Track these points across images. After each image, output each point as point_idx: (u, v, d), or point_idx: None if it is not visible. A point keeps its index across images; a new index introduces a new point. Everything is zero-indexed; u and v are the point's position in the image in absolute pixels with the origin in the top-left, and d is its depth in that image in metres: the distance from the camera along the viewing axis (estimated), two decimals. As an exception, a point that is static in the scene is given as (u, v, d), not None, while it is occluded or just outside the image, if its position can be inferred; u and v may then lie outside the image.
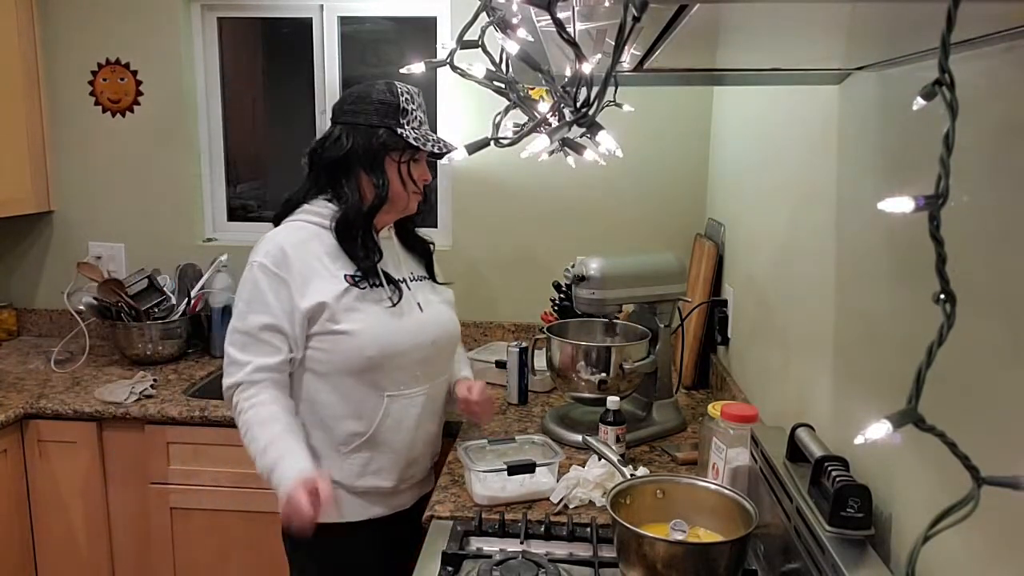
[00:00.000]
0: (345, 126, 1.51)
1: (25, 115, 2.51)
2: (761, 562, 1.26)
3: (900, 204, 0.45)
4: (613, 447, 1.58)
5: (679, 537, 1.16)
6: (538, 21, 0.77)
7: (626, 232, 2.52)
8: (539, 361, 2.02)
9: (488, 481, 1.50)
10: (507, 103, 1.01)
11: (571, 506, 1.48)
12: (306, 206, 1.55)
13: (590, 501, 1.49)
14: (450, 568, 1.26)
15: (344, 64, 2.64)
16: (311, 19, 2.60)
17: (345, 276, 1.50)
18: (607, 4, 0.64)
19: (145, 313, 2.38)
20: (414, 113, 1.52)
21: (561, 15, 0.63)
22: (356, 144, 1.49)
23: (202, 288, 2.49)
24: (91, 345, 2.49)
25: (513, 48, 0.83)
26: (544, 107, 0.97)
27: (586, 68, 0.69)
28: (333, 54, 2.62)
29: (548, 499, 1.50)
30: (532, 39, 0.83)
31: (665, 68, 1.14)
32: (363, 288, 1.51)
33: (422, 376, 1.58)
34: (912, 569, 0.52)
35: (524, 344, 2.07)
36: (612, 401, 1.66)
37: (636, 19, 0.56)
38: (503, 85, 1.01)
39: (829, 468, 1.03)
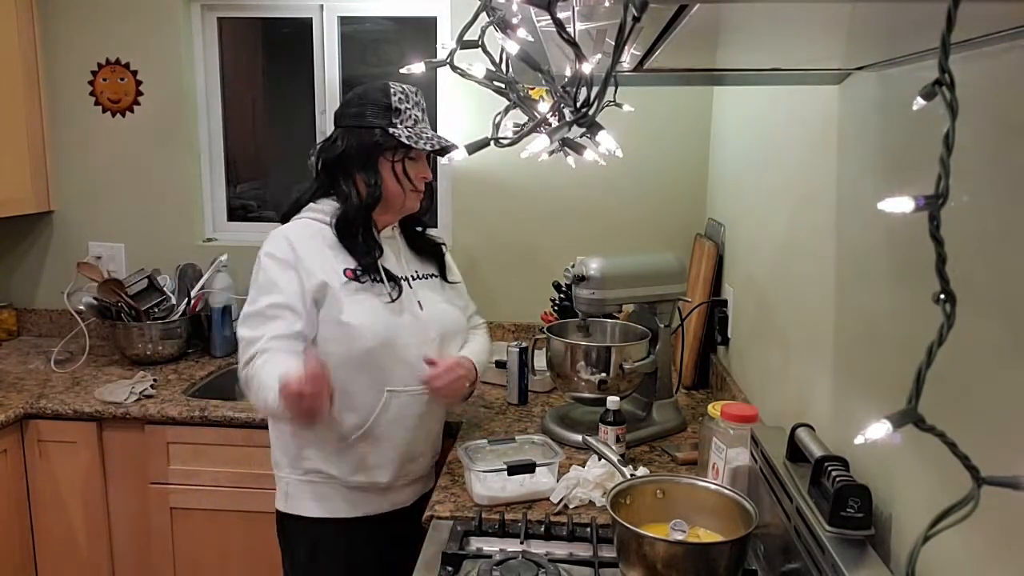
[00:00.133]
0: (343, 129, 1.58)
1: (25, 115, 2.51)
2: (761, 562, 1.26)
3: (900, 204, 0.45)
4: (613, 447, 1.58)
5: (679, 537, 1.16)
6: (538, 21, 0.77)
7: (626, 232, 2.52)
8: (539, 361, 2.02)
9: (488, 481, 1.50)
10: (507, 103, 1.01)
11: (571, 506, 1.48)
12: (312, 205, 1.61)
13: (590, 501, 1.49)
14: (450, 568, 1.26)
15: (344, 64, 2.64)
16: (311, 19, 2.60)
17: (345, 271, 1.54)
18: (607, 4, 0.64)
19: (145, 313, 2.38)
20: (408, 112, 1.55)
21: (561, 15, 0.63)
22: (350, 145, 1.55)
23: (202, 288, 2.49)
24: (91, 345, 2.49)
25: (513, 48, 0.83)
26: (544, 107, 0.97)
27: (586, 68, 0.69)
28: (333, 54, 2.62)
29: (548, 499, 1.50)
30: (532, 39, 0.83)
31: (665, 68, 1.14)
32: (364, 283, 1.55)
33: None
34: (912, 569, 0.52)
35: (524, 344, 2.07)
36: (612, 401, 1.66)
37: (636, 19, 0.56)
38: (503, 85, 1.01)
39: (829, 468, 1.03)
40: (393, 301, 1.55)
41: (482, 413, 2.03)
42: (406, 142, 1.52)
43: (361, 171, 1.55)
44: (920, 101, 0.45)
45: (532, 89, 1.42)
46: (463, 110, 2.49)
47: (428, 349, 1.58)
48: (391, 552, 1.64)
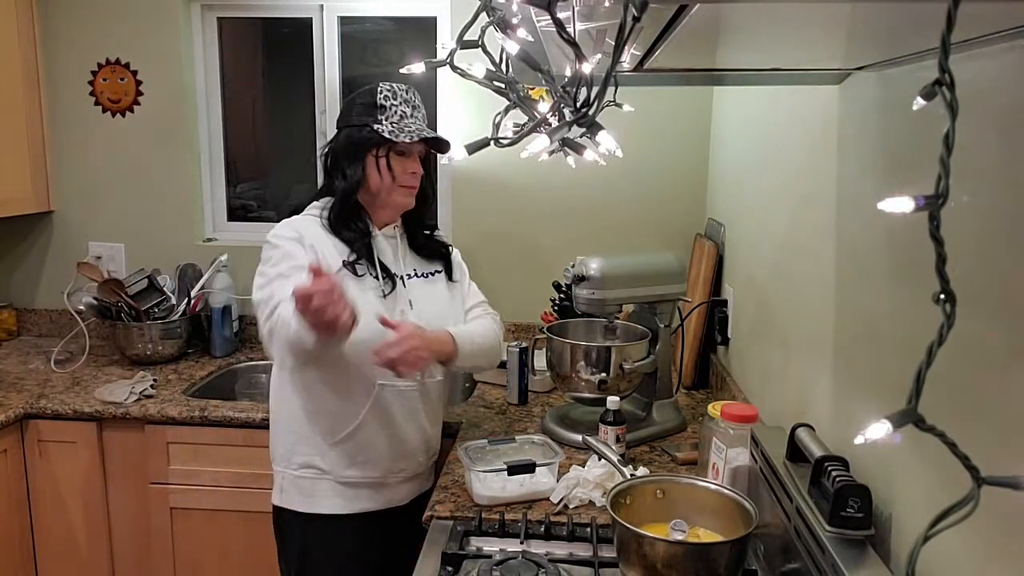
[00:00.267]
0: (339, 129, 1.65)
1: (25, 115, 2.51)
2: (761, 562, 1.26)
3: (900, 204, 0.45)
4: (613, 447, 1.58)
5: (679, 537, 1.16)
6: (538, 21, 0.77)
7: (626, 232, 2.52)
8: (539, 361, 2.02)
9: (488, 481, 1.50)
10: (507, 103, 1.01)
11: (571, 506, 1.48)
12: (315, 202, 1.66)
13: (590, 501, 1.49)
14: (450, 568, 1.26)
15: (344, 64, 2.64)
16: (311, 19, 2.60)
17: (344, 263, 1.57)
18: (607, 4, 0.64)
19: (145, 313, 2.38)
20: (394, 108, 1.59)
21: (561, 15, 0.63)
22: (338, 143, 1.63)
23: (202, 288, 2.49)
24: (91, 345, 2.49)
25: (513, 48, 0.83)
26: (544, 107, 0.97)
27: (586, 68, 0.69)
28: (333, 54, 2.62)
29: (548, 499, 1.50)
30: (532, 39, 0.83)
31: (665, 68, 1.14)
32: (360, 276, 1.57)
33: None
34: (912, 569, 0.52)
35: (524, 344, 2.07)
36: (612, 401, 1.66)
37: (636, 19, 0.56)
38: (503, 85, 1.01)
39: (829, 468, 1.03)
40: (386, 296, 1.57)
41: (482, 413, 2.03)
42: (388, 136, 1.56)
43: (349, 166, 1.60)
44: (920, 101, 0.45)
45: (532, 89, 1.42)
46: (463, 110, 2.49)
47: None
48: (387, 551, 1.65)
